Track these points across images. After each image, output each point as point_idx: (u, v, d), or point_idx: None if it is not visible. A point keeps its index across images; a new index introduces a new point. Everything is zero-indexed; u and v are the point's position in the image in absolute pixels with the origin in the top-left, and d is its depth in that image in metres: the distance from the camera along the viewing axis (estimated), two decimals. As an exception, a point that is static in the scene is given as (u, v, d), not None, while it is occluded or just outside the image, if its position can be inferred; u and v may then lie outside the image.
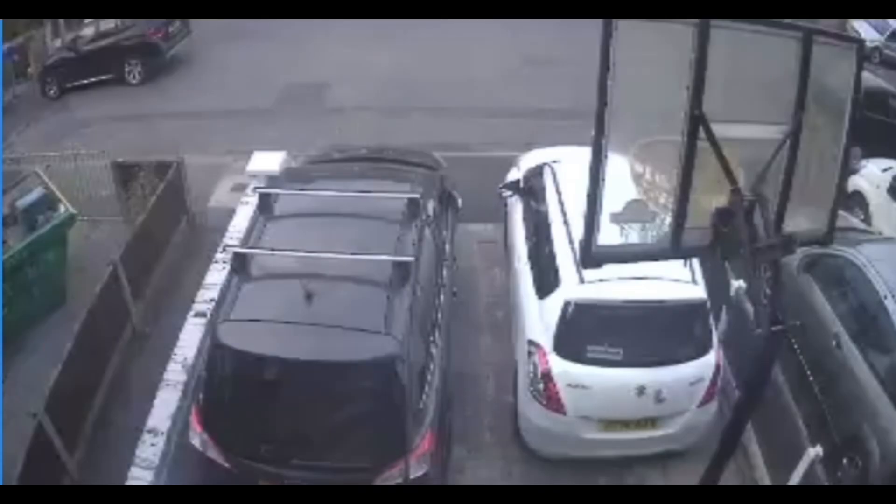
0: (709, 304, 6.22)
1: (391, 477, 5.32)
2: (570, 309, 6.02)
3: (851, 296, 6.92)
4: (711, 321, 6.30)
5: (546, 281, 6.49)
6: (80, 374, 6.69)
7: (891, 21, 17.68)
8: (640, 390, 5.93)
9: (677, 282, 6.05)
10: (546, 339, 6.11)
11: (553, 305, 6.17)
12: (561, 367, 6.00)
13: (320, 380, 5.31)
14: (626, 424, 6.19)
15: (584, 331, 6.04)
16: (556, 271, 6.36)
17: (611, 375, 5.97)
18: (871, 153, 10.33)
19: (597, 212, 3.05)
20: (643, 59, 3.00)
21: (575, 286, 6.03)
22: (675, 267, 5.93)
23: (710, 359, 6.15)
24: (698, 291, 6.16)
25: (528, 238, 7.36)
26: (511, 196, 8.24)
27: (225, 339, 5.41)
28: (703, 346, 6.16)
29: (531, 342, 6.25)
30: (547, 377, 6.03)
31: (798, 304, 7.06)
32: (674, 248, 3.26)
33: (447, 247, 7.47)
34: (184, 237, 9.78)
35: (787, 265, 7.00)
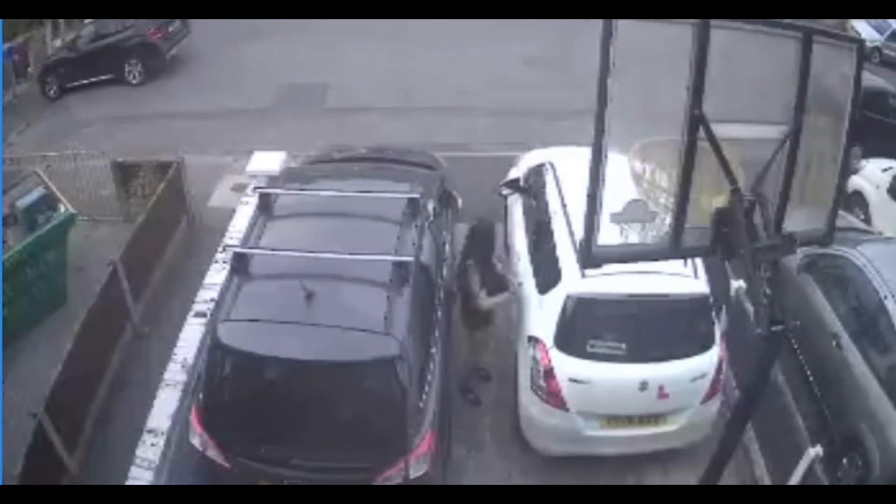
0: (711, 299, 6.17)
1: (391, 477, 5.32)
2: (572, 303, 5.98)
3: (851, 296, 6.91)
4: (714, 316, 6.26)
5: (547, 276, 6.46)
6: (80, 374, 6.69)
7: (891, 21, 17.68)
8: (643, 386, 5.90)
9: (679, 276, 5.98)
10: (547, 334, 6.07)
11: (554, 300, 6.14)
12: (562, 362, 5.96)
13: (320, 380, 5.31)
14: (628, 421, 6.16)
15: (586, 325, 6.00)
16: (557, 266, 6.33)
17: (613, 370, 5.93)
18: (871, 153, 10.32)
19: (597, 212, 3.05)
20: (643, 59, 3.00)
21: (576, 280, 5.96)
22: (676, 262, 5.91)
23: (713, 354, 6.10)
24: (701, 286, 6.13)
25: (528, 234, 7.35)
26: (511, 194, 8.24)
27: (225, 339, 5.41)
28: (705, 341, 6.11)
29: (532, 338, 6.21)
30: (548, 372, 6.00)
31: (798, 304, 7.06)
32: (674, 248, 3.26)
33: (447, 247, 7.47)
34: (184, 237, 9.76)
35: (786, 265, 7.05)
